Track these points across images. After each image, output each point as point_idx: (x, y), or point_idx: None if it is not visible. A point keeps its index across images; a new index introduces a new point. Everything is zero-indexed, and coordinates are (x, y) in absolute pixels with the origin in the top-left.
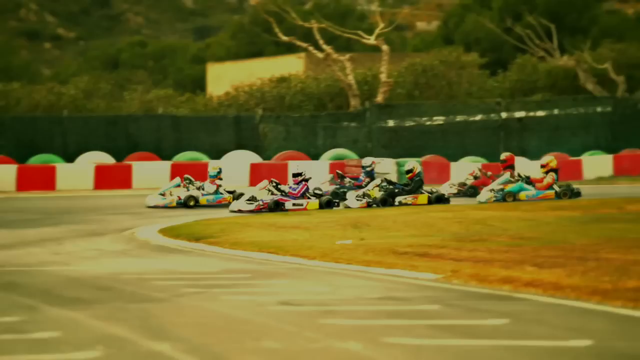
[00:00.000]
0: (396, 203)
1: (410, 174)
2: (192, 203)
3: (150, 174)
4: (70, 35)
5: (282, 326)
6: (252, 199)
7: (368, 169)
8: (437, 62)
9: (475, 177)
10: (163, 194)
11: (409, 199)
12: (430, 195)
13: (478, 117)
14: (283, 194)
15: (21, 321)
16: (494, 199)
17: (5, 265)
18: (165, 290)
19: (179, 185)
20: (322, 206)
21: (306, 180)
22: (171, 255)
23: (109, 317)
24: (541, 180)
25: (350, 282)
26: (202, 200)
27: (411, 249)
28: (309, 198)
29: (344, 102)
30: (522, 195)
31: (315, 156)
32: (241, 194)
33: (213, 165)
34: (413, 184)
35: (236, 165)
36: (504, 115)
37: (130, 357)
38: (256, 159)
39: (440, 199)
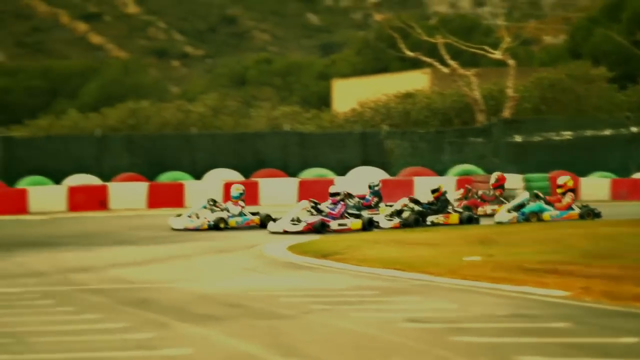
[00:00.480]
0: (428, 223)
1: (436, 194)
2: (222, 225)
3: (277, 191)
4: (198, 53)
5: (411, 344)
6: (297, 220)
7: (376, 188)
8: (564, 76)
9: (466, 197)
10: (190, 216)
11: (440, 218)
12: (461, 214)
13: (607, 132)
14: (322, 214)
15: (153, 338)
16: (518, 219)
17: (136, 282)
18: (293, 307)
19: (205, 207)
20: (364, 226)
21: (343, 200)
22: (299, 271)
23: (239, 334)
24: (558, 200)
25: (478, 299)
26: (231, 222)
27: (540, 266)
28: (347, 218)
29: (470, 117)
30: (546, 215)
31: (441, 172)
32: (268, 215)
33: (236, 187)
34: (439, 204)
35: (362, 182)
36: (634, 129)
37: None
38: (382, 175)
39: (470, 219)
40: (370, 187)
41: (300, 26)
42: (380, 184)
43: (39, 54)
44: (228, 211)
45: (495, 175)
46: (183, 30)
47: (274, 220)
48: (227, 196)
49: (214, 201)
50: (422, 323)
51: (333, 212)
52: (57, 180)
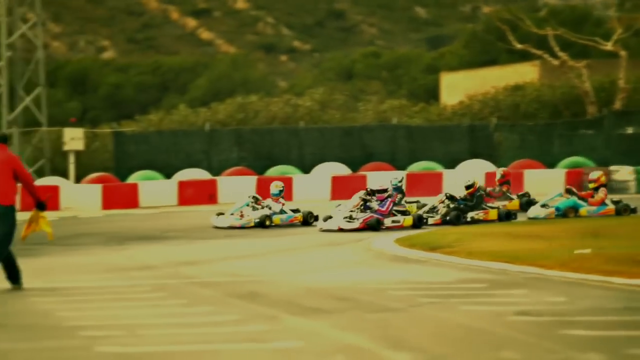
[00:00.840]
0: (468, 219)
1: (470, 189)
2: (268, 223)
3: (385, 184)
4: (306, 47)
5: (521, 337)
6: (350, 217)
7: (399, 184)
8: None
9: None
10: (234, 214)
11: (480, 214)
12: (499, 210)
13: None
14: (372, 210)
15: (263, 330)
16: (555, 214)
17: (246, 275)
18: (402, 300)
19: (248, 205)
20: (414, 223)
21: (391, 196)
22: (407, 265)
23: (349, 327)
24: (590, 195)
25: (588, 292)
26: (276, 219)
27: None
28: (394, 215)
29: (580, 109)
30: (583, 211)
31: (550, 164)
32: (310, 213)
33: (276, 184)
34: (475, 199)
35: (469, 175)
36: None
37: None
38: (490, 167)
39: (509, 215)
40: (392, 182)
41: (408, 19)
42: (404, 179)
43: (150, 50)
44: (270, 208)
45: (500, 171)
46: (291, 25)
47: (316, 217)
48: (335, 189)
49: (256, 199)
50: (532, 316)
51: (382, 209)
52: (167, 174)
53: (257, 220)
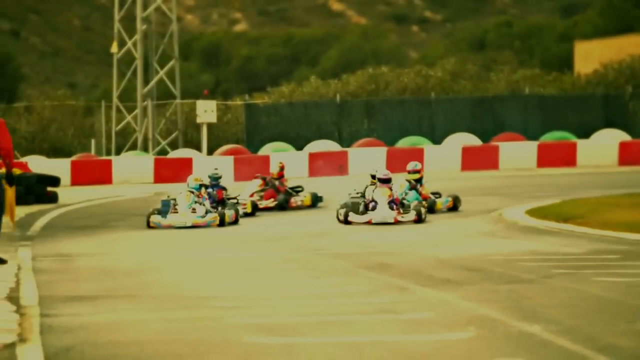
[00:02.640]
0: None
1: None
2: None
3: (517, 155)
4: (437, 17)
5: None
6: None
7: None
8: None
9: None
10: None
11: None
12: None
13: None
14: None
15: (394, 302)
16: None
17: (376, 246)
18: (533, 272)
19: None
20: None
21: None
22: (539, 236)
23: (479, 298)
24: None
25: None
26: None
27: None
28: None
29: None
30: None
31: None
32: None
33: (278, 162)
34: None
35: (605, 145)
36: None
37: (502, 338)
38: (626, 137)
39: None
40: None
41: None
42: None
43: (281, 22)
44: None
45: (278, 164)
46: None
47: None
48: (466, 160)
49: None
50: None
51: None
52: (298, 146)
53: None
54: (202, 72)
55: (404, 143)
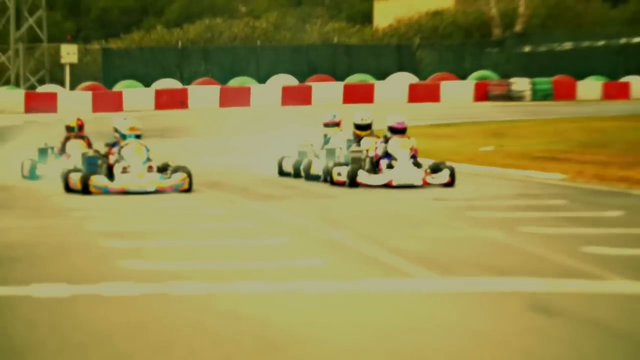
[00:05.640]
0: None
1: None
2: None
3: (327, 93)
4: None
5: (434, 218)
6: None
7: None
8: None
9: None
10: None
11: None
12: None
13: (601, 43)
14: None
15: (224, 213)
16: None
17: (212, 167)
18: (338, 189)
19: None
20: None
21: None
22: None
23: (295, 210)
24: None
25: (491, 182)
26: None
27: (543, 154)
28: None
29: (487, 31)
30: None
31: (463, 77)
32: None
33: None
34: None
35: (397, 85)
36: (623, 40)
37: (312, 242)
38: (414, 79)
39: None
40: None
41: None
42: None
43: None
44: None
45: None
46: None
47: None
48: (285, 97)
49: None
50: (444, 201)
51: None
52: (146, 84)
53: None
54: (65, 20)
55: (235, 82)
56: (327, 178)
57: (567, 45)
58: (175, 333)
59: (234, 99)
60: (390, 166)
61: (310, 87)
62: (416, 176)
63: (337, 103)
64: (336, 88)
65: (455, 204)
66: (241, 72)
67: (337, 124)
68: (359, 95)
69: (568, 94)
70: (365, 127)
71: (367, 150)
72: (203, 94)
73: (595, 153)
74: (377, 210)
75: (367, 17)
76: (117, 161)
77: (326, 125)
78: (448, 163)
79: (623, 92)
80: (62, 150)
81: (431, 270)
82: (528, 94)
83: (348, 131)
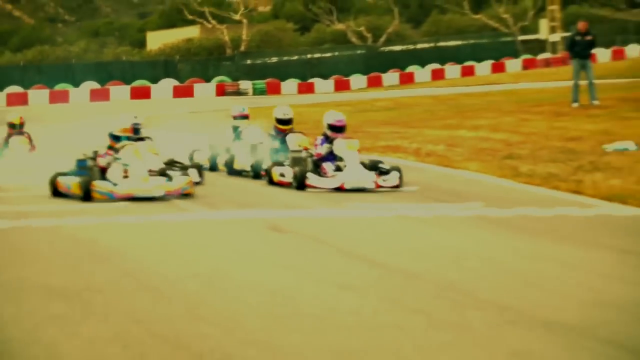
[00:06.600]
0: None
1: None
2: None
3: (119, 93)
4: None
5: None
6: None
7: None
8: (271, 29)
9: None
10: None
11: None
12: None
13: (295, 57)
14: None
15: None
16: None
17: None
18: None
19: None
20: None
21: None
22: None
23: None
24: None
25: None
26: None
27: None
28: None
29: (223, 51)
30: None
31: (207, 80)
32: None
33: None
34: None
35: (165, 87)
36: (308, 56)
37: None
38: (176, 83)
39: None
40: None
41: None
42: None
43: None
44: None
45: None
46: None
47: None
48: None
49: None
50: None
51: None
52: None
53: None
54: None
55: (59, 87)
56: (259, 175)
57: (274, 59)
58: (34, 251)
59: (58, 98)
60: (338, 168)
61: (108, 89)
62: (368, 179)
63: (126, 99)
64: (125, 89)
65: None
66: (63, 80)
67: (246, 117)
68: (140, 94)
69: (276, 91)
70: (287, 122)
71: (305, 149)
72: (38, 95)
73: None
74: None
75: (142, 43)
76: (109, 164)
77: (235, 117)
78: (394, 164)
79: (312, 89)
80: (5, 145)
81: (203, 206)
82: (250, 91)
83: (256, 124)
